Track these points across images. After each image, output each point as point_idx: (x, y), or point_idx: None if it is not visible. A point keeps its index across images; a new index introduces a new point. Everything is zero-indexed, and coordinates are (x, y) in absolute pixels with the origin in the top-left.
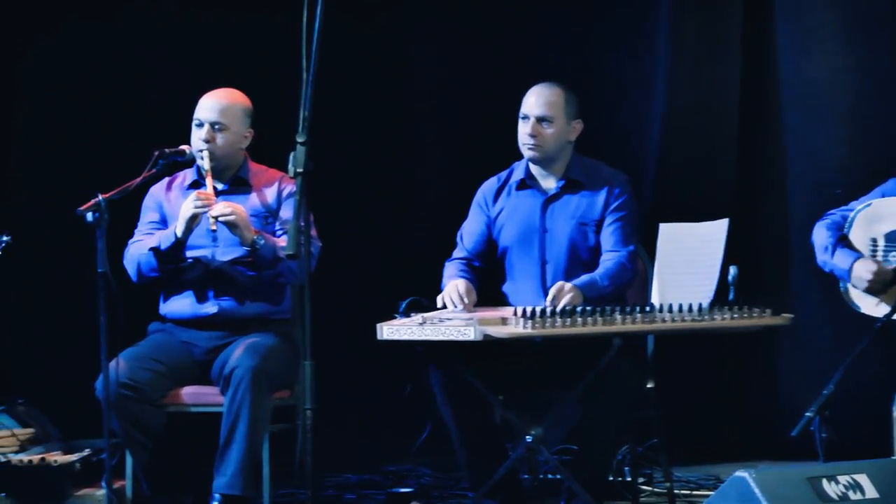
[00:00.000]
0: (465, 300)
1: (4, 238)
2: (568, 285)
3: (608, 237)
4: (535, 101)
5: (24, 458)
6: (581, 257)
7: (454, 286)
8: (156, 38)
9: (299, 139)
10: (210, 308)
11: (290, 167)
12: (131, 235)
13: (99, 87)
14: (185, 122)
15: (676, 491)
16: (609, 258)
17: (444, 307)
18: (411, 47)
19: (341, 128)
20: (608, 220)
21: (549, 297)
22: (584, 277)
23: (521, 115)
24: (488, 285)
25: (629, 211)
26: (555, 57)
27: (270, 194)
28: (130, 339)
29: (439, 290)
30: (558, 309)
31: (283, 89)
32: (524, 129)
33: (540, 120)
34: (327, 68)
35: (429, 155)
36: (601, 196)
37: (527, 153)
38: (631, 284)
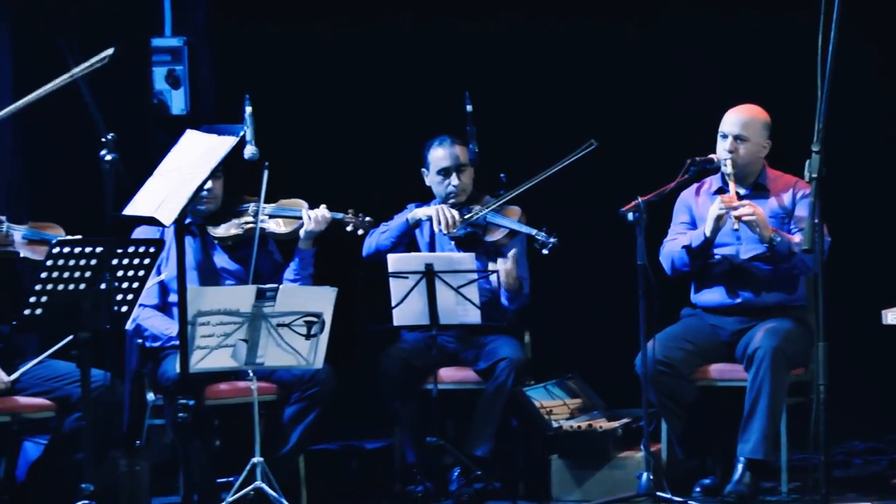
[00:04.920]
0: None
1: (552, 239)
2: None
3: None
4: None
5: (574, 424)
6: None
7: None
8: (688, 50)
9: (814, 148)
10: (735, 298)
11: (806, 173)
12: (665, 234)
13: (633, 98)
14: (711, 133)
15: None
16: None
17: None
18: None
19: (853, 137)
20: None
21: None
22: None
23: None
24: None
25: None
26: None
27: (787, 197)
28: (665, 322)
29: None
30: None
31: (799, 102)
32: None
33: None
34: (842, 82)
35: None
36: None
37: None
38: None
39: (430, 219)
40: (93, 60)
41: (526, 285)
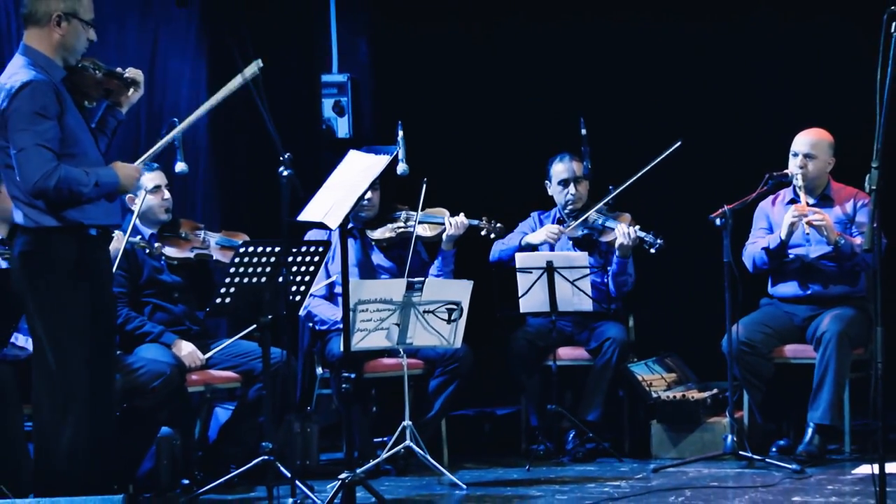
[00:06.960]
0: None
1: (659, 241)
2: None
3: None
4: None
5: (670, 394)
6: None
7: None
8: (763, 82)
9: (874, 164)
10: (806, 290)
11: (867, 185)
12: (747, 237)
13: (720, 122)
14: (784, 152)
15: None
16: None
17: None
18: None
19: None
20: None
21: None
22: None
23: None
24: None
25: None
26: None
27: (849, 206)
28: (747, 310)
29: None
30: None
31: (858, 125)
32: None
33: None
34: None
35: None
36: None
37: None
38: None
39: (541, 243)
40: (246, 74)
41: (632, 280)
